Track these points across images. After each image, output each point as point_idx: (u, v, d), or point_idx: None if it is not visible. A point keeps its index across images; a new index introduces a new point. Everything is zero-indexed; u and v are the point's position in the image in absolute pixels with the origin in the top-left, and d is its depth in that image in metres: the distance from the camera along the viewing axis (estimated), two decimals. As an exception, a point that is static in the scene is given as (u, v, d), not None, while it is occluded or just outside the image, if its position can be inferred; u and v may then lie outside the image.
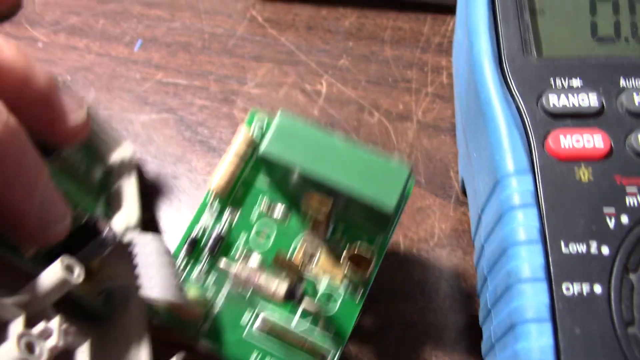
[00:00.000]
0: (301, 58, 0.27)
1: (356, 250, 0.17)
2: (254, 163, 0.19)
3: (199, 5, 0.30)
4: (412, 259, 0.22)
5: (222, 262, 0.17)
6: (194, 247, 0.18)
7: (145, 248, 0.17)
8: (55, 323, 0.13)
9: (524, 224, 0.14)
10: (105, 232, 0.17)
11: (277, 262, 0.16)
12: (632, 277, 0.13)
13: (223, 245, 0.18)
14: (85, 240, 0.16)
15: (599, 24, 0.17)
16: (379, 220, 0.17)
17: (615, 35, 0.17)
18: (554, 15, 0.18)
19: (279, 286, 0.16)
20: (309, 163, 0.16)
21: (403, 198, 0.16)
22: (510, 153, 0.15)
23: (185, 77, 0.27)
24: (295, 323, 0.17)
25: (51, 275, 0.14)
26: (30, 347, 0.12)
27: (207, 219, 0.19)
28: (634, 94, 0.16)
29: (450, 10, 0.28)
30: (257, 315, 0.17)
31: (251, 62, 0.27)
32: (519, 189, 0.15)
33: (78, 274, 0.14)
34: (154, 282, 0.16)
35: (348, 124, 0.25)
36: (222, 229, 0.18)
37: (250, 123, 0.20)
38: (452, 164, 0.23)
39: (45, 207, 0.14)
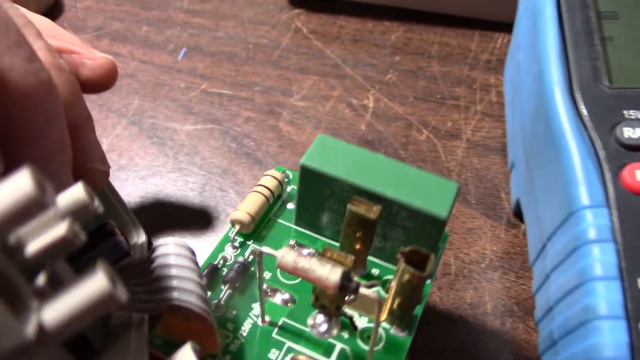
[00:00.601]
0: (347, 71, 0.27)
1: (409, 249, 0.15)
2: (281, 203, 0.19)
3: (243, 14, 0.30)
4: (463, 281, 0.21)
5: (264, 248, 0.14)
6: (214, 273, 0.17)
7: (167, 258, 0.16)
8: None
9: (601, 260, 0.14)
10: (120, 238, 0.16)
11: (324, 256, 0.15)
12: None
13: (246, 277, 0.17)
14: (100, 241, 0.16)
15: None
16: (427, 234, 0.16)
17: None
18: (623, 43, 0.17)
19: (330, 272, 0.13)
20: (354, 176, 0.16)
21: (452, 208, 0.15)
22: (585, 186, 0.15)
23: (230, 87, 0.27)
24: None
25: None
26: None
27: (229, 252, 0.18)
28: None
29: (498, 26, 0.28)
30: (286, 353, 0.15)
31: (296, 74, 0.27)
32: (595, 223, 0.14)
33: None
34: (178, 292, 0.15)
35: (396, 140, 0.25)
36: (246, 260, 0.17)
37: (279, 169, 0.20)
38: (503, 184, 0.23)
39: (91, 146, 0.17)
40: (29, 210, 0.09)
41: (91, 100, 0.27)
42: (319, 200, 0.17)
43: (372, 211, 0.15)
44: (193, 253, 0.16)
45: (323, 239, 0.18)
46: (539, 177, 0.18)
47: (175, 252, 0.16)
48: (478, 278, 0.21)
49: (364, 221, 0.15)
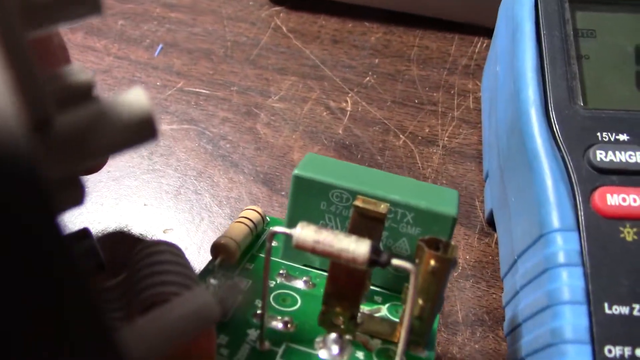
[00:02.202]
0: (326, 73, 0.27)
1: (428, 237, 0.14)
2: (263, 241, 0.18)
3: (222, 10, 0.30)
4: (435, 289, 0.22)
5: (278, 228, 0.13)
6: None
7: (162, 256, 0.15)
8: None
9: (569, 284, 0.14)
10: (96, 244, 0.16)
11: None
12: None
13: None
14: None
15: (645, 74, 0.17)
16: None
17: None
18: (599, 63, 0.18)
19: (358, 244, 0.12)
20: (353, 183, 0.15)
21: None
22: (556, 209, 0.15)
23: (207, 86, 0.27)
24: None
25: None
26: None
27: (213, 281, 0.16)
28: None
29: (478, 30, 0.28)
30: None
31: (275, 74, 0.27)
32: (564, 247, 0.15)
33: None
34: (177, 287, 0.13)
35: (373, 146, 0.25)
36: (235, 282, 0.16)
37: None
38: (478, 192, 0.23)
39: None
40: None
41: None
42: (313, 217, 0.16)
43: (381, 207, 0.14)
44: (181, 253, 0.15)
45: (314, 270, 0.17)
46: (512, 194, 0.18)
47: (161, 250, 0.15)
48: (450, 287, 0.22)
49: (372, 219, 0.14)
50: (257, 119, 0.26)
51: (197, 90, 0.27)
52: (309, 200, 0.16)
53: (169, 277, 0.15)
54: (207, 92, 0.27)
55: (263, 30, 0.29)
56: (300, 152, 0.24)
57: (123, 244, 0.21)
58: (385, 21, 0.29)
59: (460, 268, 0.22)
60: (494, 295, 0.21)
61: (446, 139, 0.25)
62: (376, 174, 0.16)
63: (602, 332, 0.14)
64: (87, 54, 0.28)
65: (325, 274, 0.16)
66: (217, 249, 0.16)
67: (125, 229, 0.22)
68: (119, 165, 0.24)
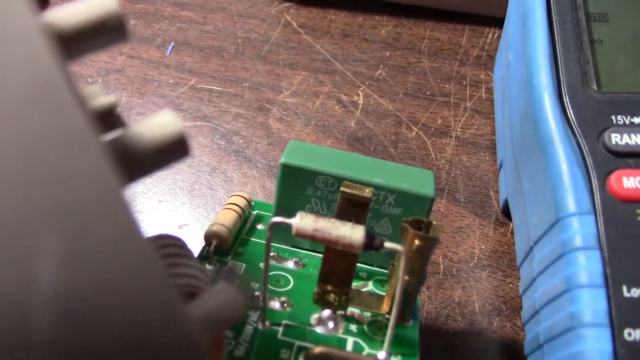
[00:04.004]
0: (337, 67, 0.27)
1: (412, 218, 0.15)
2: (250, 225, 0.19)
3: (232, 7, 0.30)
4: (452, 280, 0.22)
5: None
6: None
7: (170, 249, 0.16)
8: None
9: (587, 267, 0.14)
10: None
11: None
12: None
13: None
14: None
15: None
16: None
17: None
18: (612, 47, 0.17)
19: (353, 231, 0.13)
20: (337, 169, 0.16)
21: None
22: (572, 193, 0.15)
23: (219, 83, 0.27)
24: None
25: None
26: None
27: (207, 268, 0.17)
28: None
29: (488, 21, 0.28)
30: (298, 352, 0.15)
31: (286, 70, 0.27)
32: (581, 230, 0.15)
33: None
34: (188, 279, 0.14)
35: (386, 138, 0.25)
36: (231, 268, 0.17)
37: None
38: (492, 182, 0.23)
39: None
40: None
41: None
42: (300, 203, 0.17)
43: (366, 192, 0.15)
44: (186, 245, 0.16)
45: (303, 251, 0.18)
46: (527, 180, 0.18)
47: (172, 244, 0.15)
48: (466, 277, 0.22)
49: (358, 204, 0.15)
50: (269, 114, 0.26)
51: (209, 87, 0.27)
52: (296, 186, 0.16)
53: (180, 269, 0.15)
54: (219, 88, 0.27)
55: (273, 26, 0.29)
56: (312, 146, 0.25)
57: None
58: (395, 14, 0.29)
59: (476, 259, 0.22)
60: (511, 285, 0.21)
61: (459, 129, 0.25)
62: (358, 158, 0.16)
63: (621, 315, 0.14)
64: (101, 54, 0.28)
65: (314, 254, 0.17)
66: (210, 236, 0.17)
67: (141, 225, 0.22)
68: (133, 163, 0.24)
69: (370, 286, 0.17)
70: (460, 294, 0.21)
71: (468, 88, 0.26)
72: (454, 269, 0.22)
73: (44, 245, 0.08)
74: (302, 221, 0.13)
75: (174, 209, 0.23)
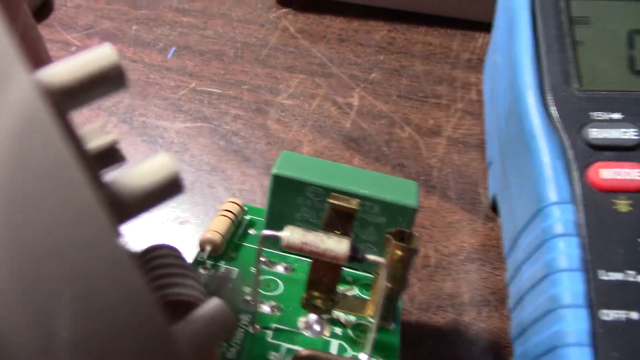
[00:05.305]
0: (333, 70, 0.28)
1: (395, 229, 0.16)
2: (243, 230, 0.19)
3: (232, 13, 0.31)
4: (442, 272, 0.22)
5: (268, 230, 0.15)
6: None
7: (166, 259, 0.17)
8: None
9: (566, 253, 0.15)
10: None
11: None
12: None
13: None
14: None
15: (637, 57, 0.18)
16: (398, 226, 0.17)
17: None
18: (593, 48, 0.18)
19: (338, 244, 0.14)
20: (327, 179, 0.17)
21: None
22: (553, 184, 0.16)
23: (219, 86, 0.28)
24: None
25: None
26: None
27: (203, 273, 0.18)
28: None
29: (479, 26, 0.29)
30: (287, 354, 0.16)
31: (284, 73, 0.28)
32: (561, 218, 0.15)
33: None
34: (179, 288, 0.15)
35: (379, 138, 0.26)
36: (224, 274, 0.18)
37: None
38: (481, 180, 0.24)
39: None
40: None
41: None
42: (290, 211, 0.18)
43: (352, 203, 0.16)
44: (181, 254, 0.17)
45: (292, 256, 0.18)
46: (512, 175, 0.19)
47: (166, 254, 0.17)
48: (456, 270, 0.22)
49: (345, 214, 0.16)
50: (268, 115, 0.27)
51: (210, 89, 0.28)
52: (287, 196, 0.17)
53: (176, 278, 0.16)
54: (219, 91, 0.28)
55: (271, 31, 0.30)
56: (309, 146, 0.25)
57: (143, 236, 0.22)
58: (389, 20, 0.30)
59: (466, 252, 0.23)
60: (499, 277, 0.22)
61: (450, 129, 0.26)
62: (347, 169, 0.17)
63: (598, 297, 0.15)
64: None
65: (303, 259, 0.18)
66: (204, 242, 0.18)
67: (144, 221, 0.23)
68: (135, 163, 0.25)
69: (355, 290, 0.18)
70: (450, 286, 0.22)
71: (459, 90, 0.27)
72: (444, 262, 0.22)
73: (60, 307, 0.09)
74: (291, 235, 0.15)
75: (175, 205, 0.24)
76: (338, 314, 0.17)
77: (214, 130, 0.26)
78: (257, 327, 0.16)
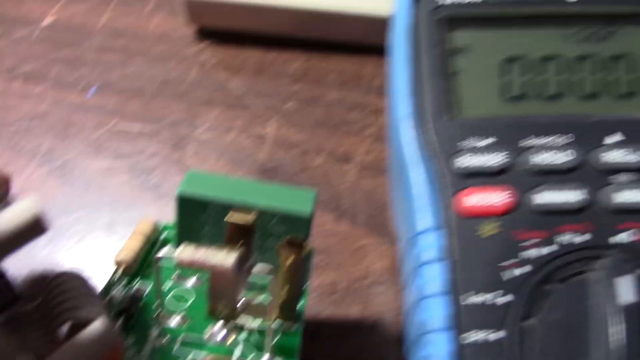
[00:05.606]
0: (249, 102, 0.29)
1: (287, 238, 0.17)
2: (158, 248, 0.21)
3: (151, 51, 0.31)
4: (353, 296, 0.23)
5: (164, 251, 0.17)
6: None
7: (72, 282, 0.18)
8: None
9: (433, 278, 0.16)
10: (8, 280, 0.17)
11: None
12: (524, 324, 0.15)
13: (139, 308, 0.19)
14: None
15: (508, 85, 0.19)
16: (297, 234, 0.18)
17: (523, 96, 0.19)
18: (468, 77, 0.19)
19: (226, 257, 0.16)
20: (227, 195, 0.17)
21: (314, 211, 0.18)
22: (423, 213, 0.17)
23: (138, 123, 0.28)
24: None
25: None
26: None
27: (118, 291, 0.19)
28: (536, 152, 0.17)
29: (390, 52, 0.30)
30: None
31: (201, 107, 0.29)
32: (429, 245, 0.16)
33: None
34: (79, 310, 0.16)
35: (292, 167, 0.26)
36: (135, 293, 0.19)
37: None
38: (390, 204, 0.25)
39: None
40: None
41: (2, 143, 0.28)
42: (198, 229, 0.18)
43: (248, 217, 0.17)
44: (86, 279, 0.18)
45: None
46: (397, 202, 0.20)
47: (69, 279, 0.18)
48: (367, 293, 0.23)
49: (243, 229, 0.17)
50: (185, 150, 0.27)
51: (129, 127, 0.28)
52: (192, 214, 0.18)
53: (79, 300, 0.17)
54: (138, 128, 0.28)
55: (190, 66, 0.30)
56: (225, 178, 0.26)
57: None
58: (306, 49, 0.30)
59: (374, 276, 0.23)
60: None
61: (362, 155, 0.27)
62: (248, 184, 0.18)
63: (461, 320, 0.15)
64: (25, 100, 0.30)
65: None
66: (118, 262, 0.19)
67: (58, 267, 0.23)
68: (54, 204, 0.25)
69: (262, 297, 0.19)
70: (360, 309, 0.23)
71: (370, 116, 0.28)
72: (352, 287, 0.23)
73: None
74: (182, 253, 0.16)
75: (93, 246, 0.24)
76: (246, 319, 0.18)
77: (131, 168, 0.27)
78: (165, 340, 0.18)
